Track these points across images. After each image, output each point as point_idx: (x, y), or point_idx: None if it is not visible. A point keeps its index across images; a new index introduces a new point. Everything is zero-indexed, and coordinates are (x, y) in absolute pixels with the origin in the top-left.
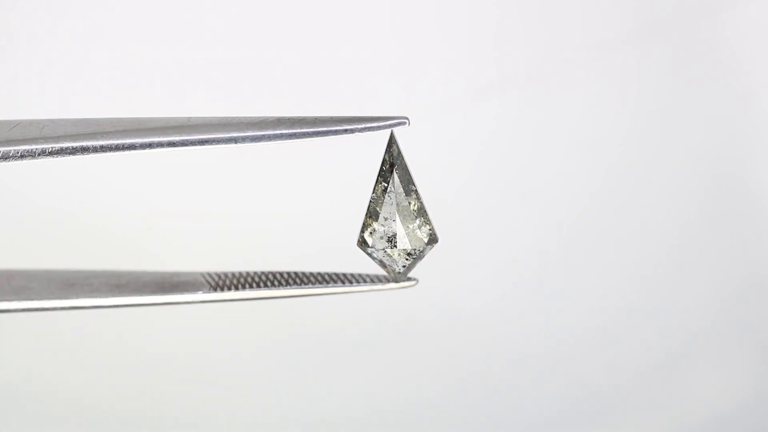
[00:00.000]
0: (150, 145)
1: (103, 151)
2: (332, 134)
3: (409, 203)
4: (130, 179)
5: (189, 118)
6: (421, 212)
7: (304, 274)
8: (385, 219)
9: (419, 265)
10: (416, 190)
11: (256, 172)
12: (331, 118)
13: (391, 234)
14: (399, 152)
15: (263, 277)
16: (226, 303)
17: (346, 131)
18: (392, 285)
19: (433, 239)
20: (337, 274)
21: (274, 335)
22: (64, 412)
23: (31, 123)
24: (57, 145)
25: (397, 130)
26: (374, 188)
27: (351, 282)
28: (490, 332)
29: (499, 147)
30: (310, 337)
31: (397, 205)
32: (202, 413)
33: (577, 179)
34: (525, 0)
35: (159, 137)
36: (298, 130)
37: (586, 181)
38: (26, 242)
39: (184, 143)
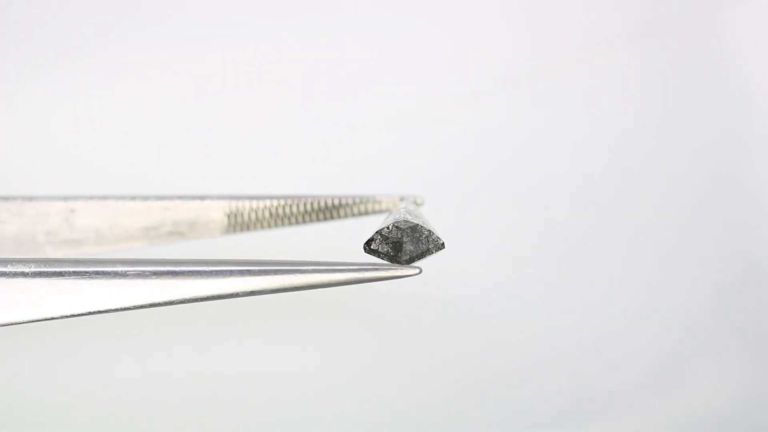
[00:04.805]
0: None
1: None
2: (358, 282)
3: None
4: (130, 180)
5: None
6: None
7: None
8: (394, 218)
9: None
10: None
11: (254, 173)
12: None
13: (400, 219)
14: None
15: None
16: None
17: (368, 279)
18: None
19: (439, 240)
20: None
21: (279, 342)
22: (63, 413)
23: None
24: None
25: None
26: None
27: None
28: (490, 332)
29: (499, 147)
30: (313, 336)
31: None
32: (203, 411)
33: (576, 179)
34: (527, 0)
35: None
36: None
37: (586, 180)
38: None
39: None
